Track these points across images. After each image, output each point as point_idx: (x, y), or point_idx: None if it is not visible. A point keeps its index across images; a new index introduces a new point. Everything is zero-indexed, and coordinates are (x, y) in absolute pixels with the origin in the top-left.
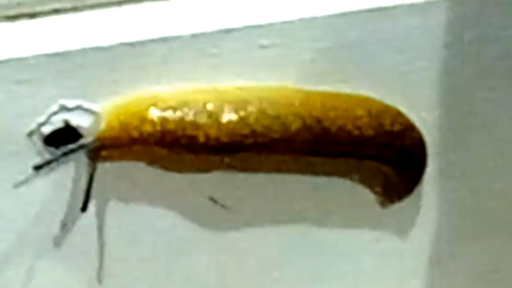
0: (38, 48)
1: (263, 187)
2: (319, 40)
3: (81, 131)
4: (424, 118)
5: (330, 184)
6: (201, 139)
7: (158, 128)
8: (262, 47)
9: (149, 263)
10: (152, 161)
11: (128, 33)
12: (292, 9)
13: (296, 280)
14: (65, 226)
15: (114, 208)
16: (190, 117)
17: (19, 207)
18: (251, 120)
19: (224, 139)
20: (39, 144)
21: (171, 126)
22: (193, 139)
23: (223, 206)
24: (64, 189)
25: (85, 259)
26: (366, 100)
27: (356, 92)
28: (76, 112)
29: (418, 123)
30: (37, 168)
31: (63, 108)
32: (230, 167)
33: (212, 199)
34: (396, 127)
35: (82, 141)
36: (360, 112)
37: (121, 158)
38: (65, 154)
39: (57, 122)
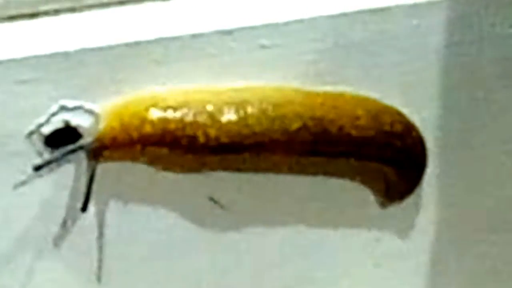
0: (38, 48)
1: (263, 187)
2: (319, 41)
3: (81, 131)
4: (424, 118)
5: (330, 184)
6: (201, 139)
7: (158, 128)
8: (262, 47)
9: (149, 263)
10: (152, 161)
11: (128, 33)
12: (292, 10)
13: (296, 280)
14: (65, 226)
15: (114, 208)
16: (190, 117)
17: (19, 207)
18: (251, 120)
19: (224, 139)
20: (39, 144)
21: (171, 126)
22: (193, 139)
23: (222, 206)
24: (64, 189)
25: (85, 259)
26: (366, 100)
27: (356, 92)
28: (76, 112)
29: (418, 123)
30: (37, 168)
31: (63, 109)
32: (230, 167)
33: (212, 199)
34: (396, 127)
35: (82, 142)
36: (360, 112)
37: (121, 158)
38: (65, 154)
39: (57, 122)
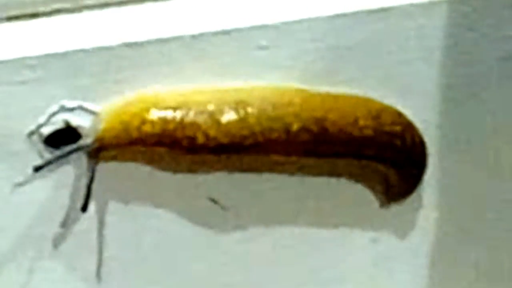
0: (39, 49)
1: (263, 188)
2: (319, 41)
3: (81, 131)
4: (424, 118)
5: (330, 184)
6: (201, 139)
7: (158, 128)
8: (262, 47)
9: (149, 263)
10: (152, 162)
11: (129, 34)
12: (292, 10)
13: (296, 280)
14: (65, 226)
15: (114, 208)
16: (190, 117)
17: (19, 207)
18: (251, 120)
19: (224, 139)
20: (39, 144)
21: (171, 127)
22: (193, 139)
23: (222, 206)
24: (64, 189)
25: (85, 259)
26: (366, 100)
27: (356, 92)
28: (76, 113)
29: (418, 124)
30: (37, 169)
31: (63, 109)
32: (230, 167)
33: (211, 199)
34: (396, 128)
35: (82, 142)
36: (360, 112)
37: (121, 158)
38: (65, 154)
39: (57, 123)
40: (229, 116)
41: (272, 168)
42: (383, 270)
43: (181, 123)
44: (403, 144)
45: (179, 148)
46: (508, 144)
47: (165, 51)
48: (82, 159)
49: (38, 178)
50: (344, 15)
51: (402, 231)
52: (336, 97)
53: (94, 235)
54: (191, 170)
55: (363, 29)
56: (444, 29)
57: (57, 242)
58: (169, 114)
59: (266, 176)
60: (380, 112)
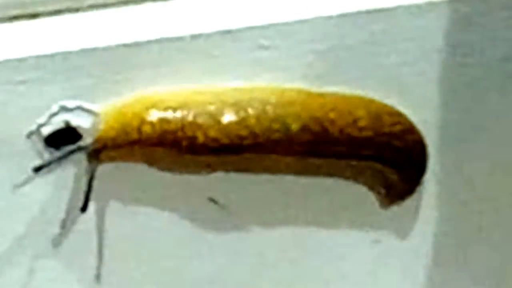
0: (39, 49)
1: (263, 188)
2: (319, 41)
3: (81, 131)
4: (424, 118)
5: (330, 184)
6: (201, 140)
7: (158, 129)
8: (262, 48)
9: (149, 263)
10: (151, 162)
11: (128, 34)
12: (292, 10)
13: (296, 280)
14: (65, 226)
15: (113, 208)
16: (189, 118)
17: (19, 207)
18: (251, 121)
19: (224, 140)
20: (39, 144)
21: (170, 127)
22: (192, 140)
23: (222, 206)
24: (64, 189)
25: (85, 259)
26: (366, 101)
27: (356, 93)
28: (76, 113)
29: (418, 124)
30: (37, 169)
31: (63, 109)
32: (230, 168)
33: (211, 199)
34: (396, 128)
35: (82, 142)
36: (360, 113)
37: (121, 159)
38: (65, 154)
39: (57, 123)
40: (229, 117)
41: (272, 168)
42: (383, 270)
43: (181, 124)
44: (403, 145)
45: (179, 148)
46: (509, 144)
47: (165, 51)
48: (82, 159)
49: (38, 178)
50: (344, 16)
51: (402, 231)
52: (336, 97)
53: (94, 235)
54: (191, 170)
55: (363, 29)
56: (444, 30)
57: (57, 242)
58: (169, 114)
59: (266, 176)
60: (380, 113)
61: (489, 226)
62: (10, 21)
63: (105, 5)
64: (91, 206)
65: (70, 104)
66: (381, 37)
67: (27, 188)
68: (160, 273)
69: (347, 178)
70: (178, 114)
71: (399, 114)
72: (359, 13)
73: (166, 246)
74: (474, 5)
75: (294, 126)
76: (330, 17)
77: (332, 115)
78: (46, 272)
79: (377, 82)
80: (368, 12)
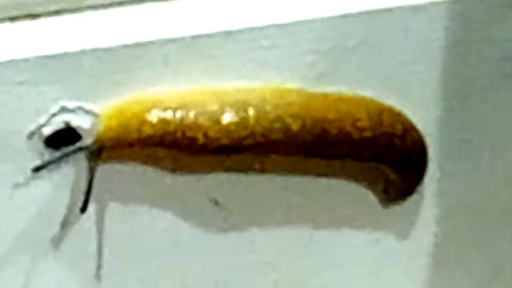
0: (39, 49)
1: (263, 188)
2: (320, 42)
3: (81, 132)
4: (424, 118)
5: (330, 184)
6: (201, 140)
7: (158, 129)
8: (262, 48)
9: (149, 263)
10: (151, 162)
11: (129, 35)
12: (292, 11)
13: (296, 280)
14: (65, 226)
15: (113, 208)
16: (190, 118)
17: (19, 208)
18: (251, 121)
19: (224, 140)
20: (40, 145)
21: (171, 128)
22: (193, 140)
23: (222, 207)
24: (64, 190)
25: (84, 259)
26: (366, 101)
27: (357, 93)
28: (77, 113)
29: (418, 124)
30: (37, 169)
31: (64, 109)
32: (230, 168)
33: (211, 200)
34: (397, 128)
35: (82, 142)
36: (360, 113)
37: (121, 159)
38: (65, 155)
39: (57, 123)
40: (229, 117)
41: (272, 168)
42: (384, 269)
43: (181, 124)
44: (403, 145)
45: (179, 148)
46: (509, 145)
47: (165, 51)
48: (82, 159)
49: (38, 178)
50: (344, 16)
51: (402, 231)
52: (336, 98)
53: (94, 235)
54: (191, 170)
55: (363, 30)
56: (444, 29)
57: (57, 242)
58: (169, 114)
59: (266, 176)
60: (380, 113)
61: (489, 226)
62: (10, 22)
63: (105, 5)
64: (91, 206)
65: (71, 104)
66: (381, 37)
67: (27, 188)
68: (160, 273)
69: (347, 178)
70: (178, 114)
71: (400, 115)
72: (359, 13)
73: (166, 246)
74: (473, 5)
75: (294, 127)
76: (330, 18)
77: (332, 115)
78: (46, 272)
79: (377, 82)
80: (368, 12)
